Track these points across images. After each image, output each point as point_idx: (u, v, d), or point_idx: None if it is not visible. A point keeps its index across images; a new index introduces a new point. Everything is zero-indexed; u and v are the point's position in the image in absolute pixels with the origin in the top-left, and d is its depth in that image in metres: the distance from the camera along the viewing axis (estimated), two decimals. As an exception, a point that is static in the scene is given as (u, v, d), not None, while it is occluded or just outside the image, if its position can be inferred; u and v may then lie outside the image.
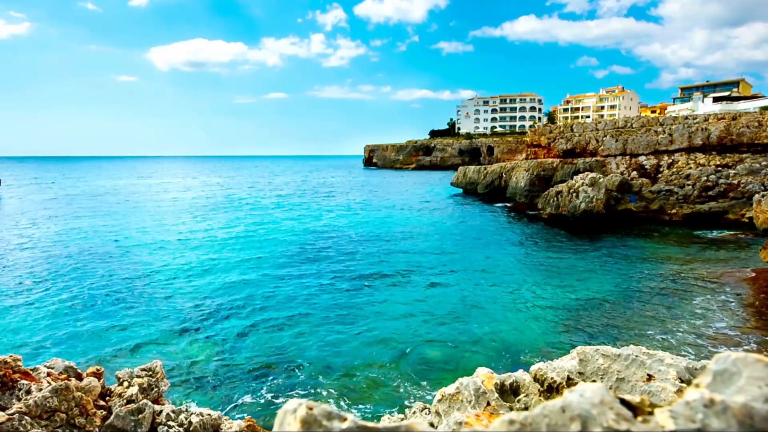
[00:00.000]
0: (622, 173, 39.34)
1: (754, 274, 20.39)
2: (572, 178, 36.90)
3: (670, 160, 38.04)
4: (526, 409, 2.16)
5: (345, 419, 0.63)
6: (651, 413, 0.62)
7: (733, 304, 16.97)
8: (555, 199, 35.86)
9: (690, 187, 35.27)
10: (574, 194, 34.23)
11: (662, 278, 20.66)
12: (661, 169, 38.04)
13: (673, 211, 35.12)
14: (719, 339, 13.93)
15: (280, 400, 10.85)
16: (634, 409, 0.62)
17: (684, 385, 1.99)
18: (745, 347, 13.32)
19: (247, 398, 10.89)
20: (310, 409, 0.61)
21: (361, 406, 10.47)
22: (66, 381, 4.25)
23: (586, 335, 14.60)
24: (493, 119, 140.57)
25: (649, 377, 2.11)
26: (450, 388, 2.40)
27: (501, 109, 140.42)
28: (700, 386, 0.63)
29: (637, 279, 20.68)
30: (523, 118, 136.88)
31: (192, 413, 5.21)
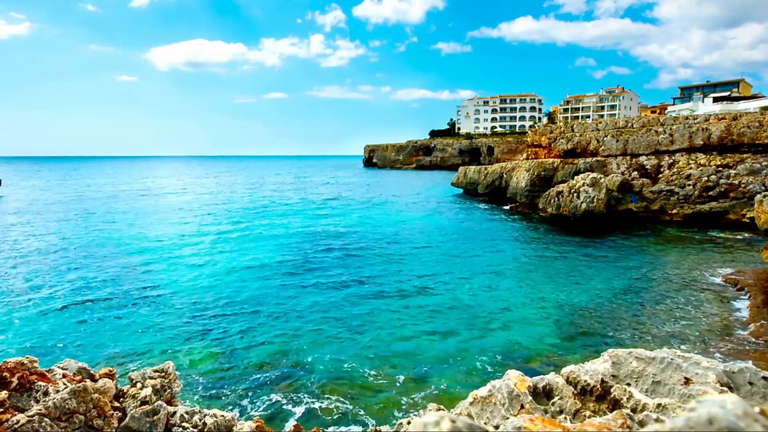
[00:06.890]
0: (622, 173, 39.37)
1: (755, 274, 20.43)
2: (573, 178, 36.93)
3: (671, 161, 38.09)
4: (561, 412, 2.16)
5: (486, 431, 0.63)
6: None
7: (734, 303, 17.00)
8: (556, 199, 35.88)
9: (691, 187, 35.32)
10: (575, 194, 34.25)
11: (663, 278, 20.69)
12: (662, 170, 38.08)
13: (674, 211, 35.16)
14: (722, 339, 13.95)
15: (288, 402, 10.85)
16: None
17: (725, 389, 1.98)
18: (748, 348, 13.34)
19: (255, 400, 10.88)
20: (453, 421, 0.61)
21: (369, 411, 10.47)
22: (83, 382, 4.23)
23: (588, 335, 14.61)
24: (493, 119, 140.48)
25: (687, 380, 2.09)
26: (482, 391, 2.38)
27: (501, 109, 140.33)
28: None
29: (638, 279, 20.71)
30: (523, 118, 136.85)
31: (206, 414, 5.20)
